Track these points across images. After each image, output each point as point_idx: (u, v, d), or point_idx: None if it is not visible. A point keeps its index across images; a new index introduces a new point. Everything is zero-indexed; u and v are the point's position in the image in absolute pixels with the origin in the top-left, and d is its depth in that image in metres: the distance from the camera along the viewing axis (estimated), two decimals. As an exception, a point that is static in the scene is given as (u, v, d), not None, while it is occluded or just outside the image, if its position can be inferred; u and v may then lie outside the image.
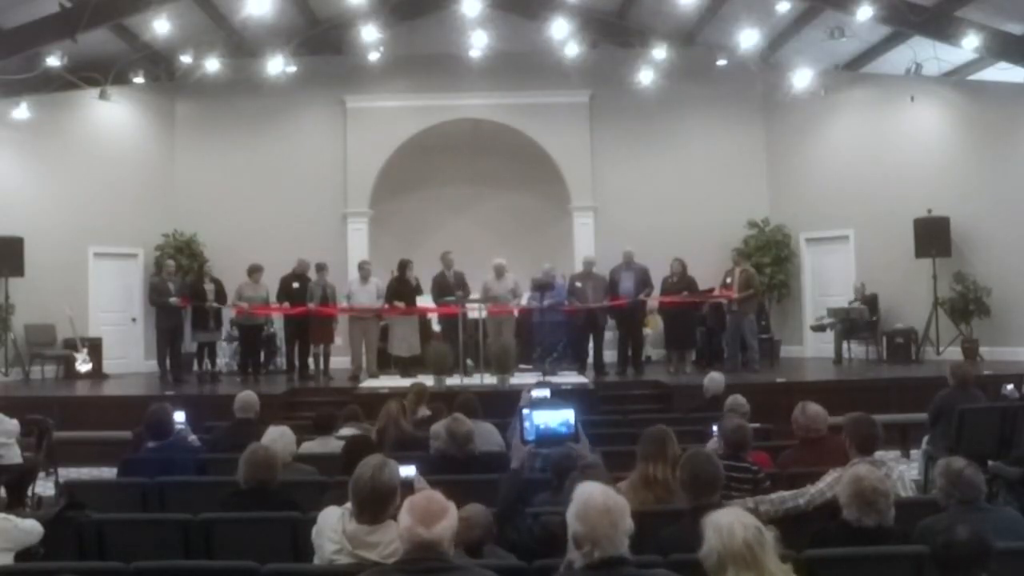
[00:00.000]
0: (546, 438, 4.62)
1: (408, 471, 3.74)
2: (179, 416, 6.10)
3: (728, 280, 11.57)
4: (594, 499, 2.76)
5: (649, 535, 3.48)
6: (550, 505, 3.90)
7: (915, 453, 8.20)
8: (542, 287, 11.45)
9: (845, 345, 12.55)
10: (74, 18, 10.98)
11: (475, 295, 11.62)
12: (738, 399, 6.38)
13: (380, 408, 6.68)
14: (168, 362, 11.82)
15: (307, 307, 11.62)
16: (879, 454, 4.68)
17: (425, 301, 12.01)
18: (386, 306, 11.64)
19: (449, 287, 11.64)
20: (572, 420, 4.61)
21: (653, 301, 12.11)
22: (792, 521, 4.14)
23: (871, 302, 12.53)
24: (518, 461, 4.42)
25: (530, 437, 4.69)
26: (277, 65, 13.02)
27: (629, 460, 4.78)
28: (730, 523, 2.72)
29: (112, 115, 13.46)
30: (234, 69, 13.25)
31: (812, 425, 5.27)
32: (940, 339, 12.29)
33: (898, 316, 12.72)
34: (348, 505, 3.40)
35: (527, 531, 3.85)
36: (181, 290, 11.80)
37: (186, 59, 13.04)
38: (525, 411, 4.66)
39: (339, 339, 12.45)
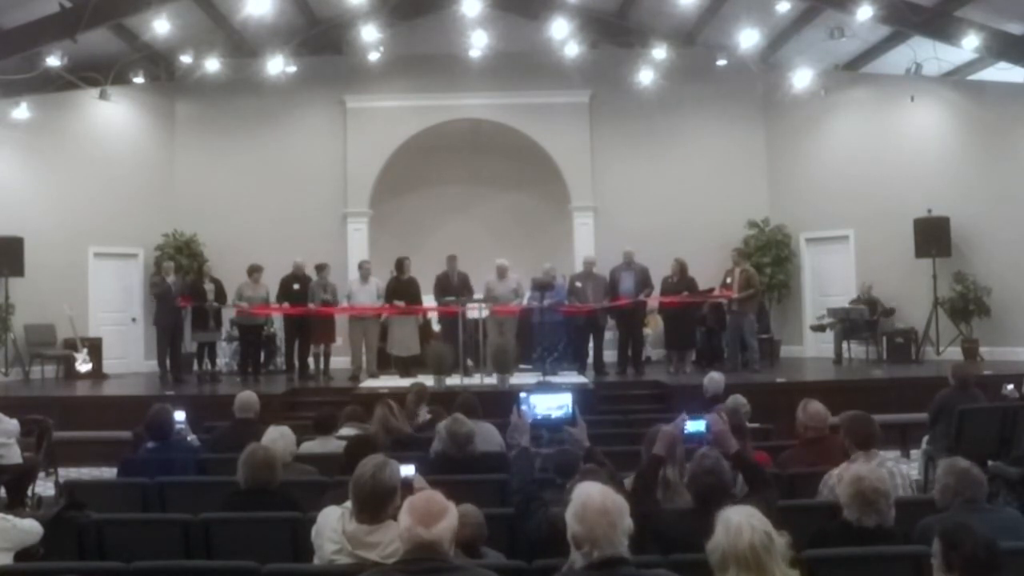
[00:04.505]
0: (544, 423, 4.62)
1: (408, 471, 3.73)
2: (179, 416, 6.08)
3: (728, 280, 11.56)
4: (592, 499, 2.76)
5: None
6: (556, 505, 3.89)
7: (915, 453, 8.19)
8: (542, 287, 11.44)
9: (845, 345, 12.56)
10: (74, 18, 10.99)
11: (478, 295, 11.63)
12: (738, 399, 6.38)
13: (375, 408, 6.70)
14: (168, 362, 11.82)
15: (307, 307, 11.63)
16: (879, 454, 4.68)
17: (428, 300, 12.01)
18: (386, 306, 11.65)
19: (451, 287, 11.65)
20: (569, 404, 4.60)
21: (653, 301, 12.11)
22: (792, 521, 4.14)
23: (872, 303, 12.52)
24: (525, 438, 4.41)
25: (528, 421, 4.69)
26: (277, 65, 13.02)
27: (629, 460, 4.78)
28: (739, 523, 2.70)
29: (112, 115, 13.46)
30: (234, 69, 13.25)
31: (812, 423, 5.27)
32: (940, 339, 12.29)
33: (898, 316, 12.72)
34: (348, 505, 3.40)
35: (536, 527, 3.84)
36: (181, 290, 11.80)
37: (186, 59, 13.06)
38: (522, 395, 4.66)
39: (339, 339, 12.46)
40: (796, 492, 4.85)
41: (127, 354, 13.44)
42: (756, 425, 6.42)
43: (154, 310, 12.18)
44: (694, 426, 4.17)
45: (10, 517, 4.12)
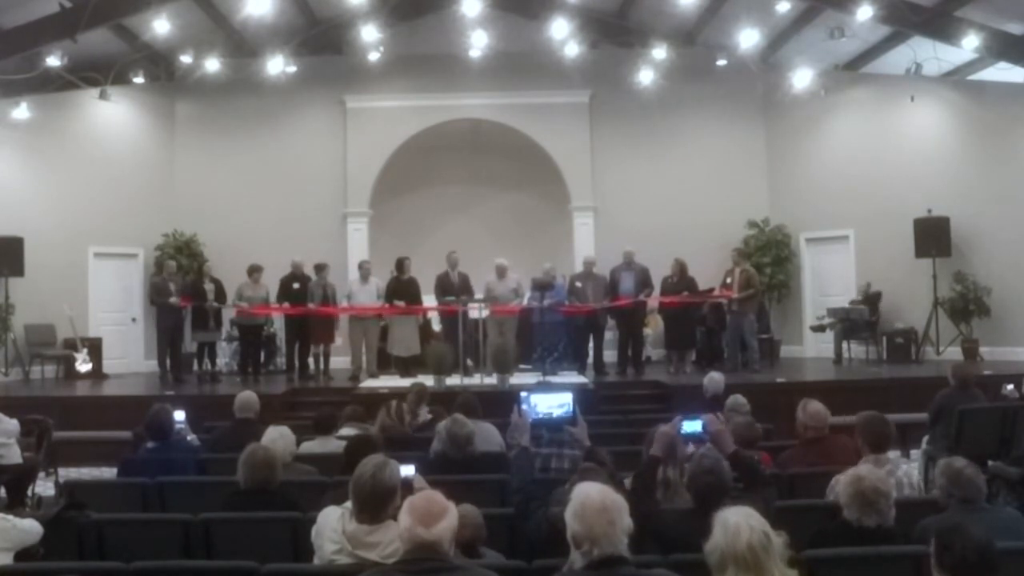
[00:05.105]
0: (544, 422, 4.63)
1: (408, 471, 3.73)
2: (179, 416, 6.09)
3: (728, 280, 11.56)
4: (591, 498, 2.76)
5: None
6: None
7: (915, 453, 8.19)
8: (542, 287, 11.44)
9: (845, 345, 12.55)
10: (74, 18, 10.99)
11: (478, 295, 11.62)
12: (738, 399, 6.38)
13: (379, 409, 6.71)
14: (168, 362, 11.82)
15: (307, 307, 11.63)
16: (891, 460, 4.68)
17: (428, 300, 12.01)
18: (386, 305, 11.65)
19: (452, 287, 11.65)
20: (570, 404, 4.59)
21: (653, 301, 12.11)
22: (792, 521, 4.14)
23: (872, 301, 12.52)
24: (526, 438, 4.41)
25: (528, 420, 4.70)
26: (277, 65, 13.02)
27: (629, 460, 4.78)
28: (737, 523, 2.69)
29: (112, 115, 13.46)
30: (234, 69, 13.25)
31: (812, 423, 5.28)
32: (940, 339, 12.29)
33: (898, 316, 12.72)
34: (348, 505, 3.40)
35: (536, 527, 3.85)
36: (181, 290, 11.80)
37: (186, 59, 13.07)
38: (523, 394, 4.66)
39: (339, 339, 12.46)
40: (796, 492, 4.86)
41: (127, 354, 13.45)
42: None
43: (154, 310, 12.17)
44: (690, 426, 4.17)
45: (10, 517, 4.12)
